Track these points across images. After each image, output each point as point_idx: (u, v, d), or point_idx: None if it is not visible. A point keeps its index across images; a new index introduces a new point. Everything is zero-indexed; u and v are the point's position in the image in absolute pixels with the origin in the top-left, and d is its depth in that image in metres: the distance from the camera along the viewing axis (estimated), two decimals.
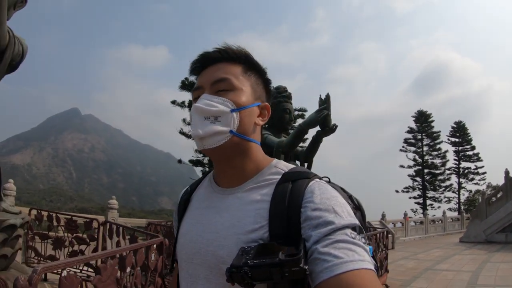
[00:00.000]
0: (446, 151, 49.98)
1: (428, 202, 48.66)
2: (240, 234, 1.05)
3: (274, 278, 0.82)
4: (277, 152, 7.83)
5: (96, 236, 8.73)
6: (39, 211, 9.72)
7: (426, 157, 50.03)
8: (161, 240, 5.47)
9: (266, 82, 1.30)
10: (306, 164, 8.30)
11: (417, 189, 49.82)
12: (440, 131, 50.19)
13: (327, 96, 7.47)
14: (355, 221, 0.98)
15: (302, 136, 7.73)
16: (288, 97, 8.98)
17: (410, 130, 51.13)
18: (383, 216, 23.81)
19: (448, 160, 49.86)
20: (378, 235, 9.64)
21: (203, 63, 1.24)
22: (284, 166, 1.20)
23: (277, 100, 8.82)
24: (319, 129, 7.53)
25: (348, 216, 0.98)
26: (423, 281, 10.71)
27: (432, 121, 50.20)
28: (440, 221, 31.00)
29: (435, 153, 49.85)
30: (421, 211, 44.13)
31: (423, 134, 50.29)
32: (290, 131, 8.78)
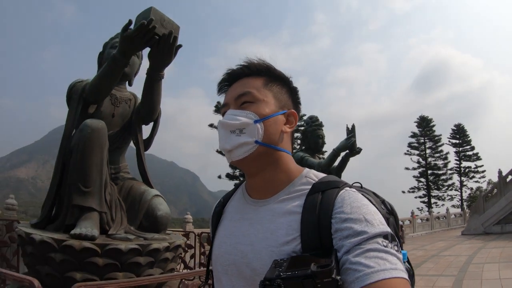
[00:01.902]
0: (448, 153, 52.70)
1: (433, 200, 51.23)
2: (273, 246, 1.05)
3: None
4: (317, 171, 11.06)
5: None
6: None
7: (429, 159, 52.69)
8: None
9: (291, 90, 1.31)
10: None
11: (422, 189, 52.35)
12: (441, 134, 52.98)
13: (353, 126, 10.76)
14: (387, 229, 0.96)
15: (336, 158, 10.96)
16: (320, 125, 12.28)
17: (413, 135, 53.79)
18: None
19: (449, 161, 52.55)
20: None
21: (229, 81, 1.28)
22: (315, 175, 1.20)
23: (312, 128, 12.13)
24: (348, 151, 10.78)
25: (379, 224, 0.96)
26: (430, 264, 13.41)
27: (434, 125, 52.85)
28: (444, 218, 32.60)
29: (437, 154, 52.59)
30: (426, 209, 46.22)
31: (426, 138, 52.97)
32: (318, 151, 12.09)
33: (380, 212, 1.04)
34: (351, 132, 10.55)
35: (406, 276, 0.86)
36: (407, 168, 53.02)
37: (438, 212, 36.49)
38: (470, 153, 52.45)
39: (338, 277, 0.83)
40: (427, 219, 30.74)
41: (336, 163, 11.44)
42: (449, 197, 51.50)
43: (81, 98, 5.08)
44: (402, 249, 1.01)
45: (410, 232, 26.35)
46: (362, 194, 1.09)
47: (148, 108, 5.32)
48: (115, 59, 4.59)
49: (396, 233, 1.15)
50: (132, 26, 4.37)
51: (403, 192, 53.46)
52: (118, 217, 4.98)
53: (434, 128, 52.91)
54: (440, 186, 51.70)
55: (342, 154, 10.84)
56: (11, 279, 3.37)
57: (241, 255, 1.12)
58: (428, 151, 52.91)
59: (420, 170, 52.66)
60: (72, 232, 4.33)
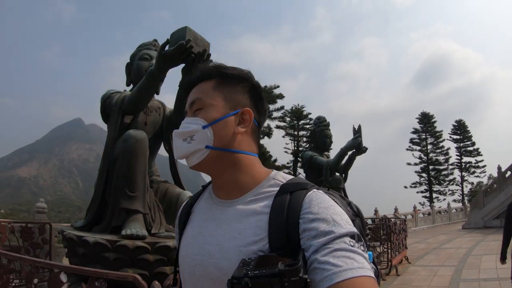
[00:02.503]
0: (449, 148, 53.37)
1: (434, 195, 51.92)
2: (241, 246, 1.06)
3: None
4: (326, 169, 11.83)
5: None
6: None
7: (431, 155, 53.28)
8: None
9: (250, 87, 1.28)
10: (343, 175, 12.26)
11: (423, 184, 53.06)
12: (442, 130, 53.64)
13: (359, 127, 11.54)
14: (353, 229, 0.99)
15: (343, 157, 11.74)
16: (328, 125, 13.08)
17: (415, 131, 54.48)
18: (396, 209, 26.13)
19: (450, 156, 53.26)
20: (399, 222, 13.42)
21: (188, 88, 1.29)
22: (282, 177, 1.20)
23: (320, 128, 12.91)
24: (354, 150, 11.53)
25: (346, 224, 0.98)
26: (432, 255, 14.18)
27: (435, 121, 53.53)
28: (445, 212, 33.10)
29: (439, 150, 53.25)
30: (428, 203, 46.75)
31: (427, 134, 53.64)
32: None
33: (347, 214, 1.07)
34: (357, 132, 11.40)
35: (373, 274, 0.89)
36: (409, 164, 53.77)
37: (440, 207, 36.90)
38: (471, 148, 53.08)
39: (305, 276, 0.84)
40: (429, 214, 31.18)
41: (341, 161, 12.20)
42: (450, 192, 52.21)
43: (121, 110, 5.57)
44: (368, 250, 1.04)
45: (412, 226, 26.80)
46: (329, 196, 1.12)
47: (181, 117, 5.85)
48: (154, 75, 4.98)
49: (362, 234, 1.15)
50: (162, 41, 4.79)
51: (405, 187, 54.16)
52: (157, 218, 5.53)
53: (435, 124, 53.55)
54: (442, 181, 52.36)
55: (349, 152, 11.64)
56: (113, 277, 3.67)
57: (208, 255, 1.13)
58: (429, 146, 53.57)
59: (421, 165, 53.39)
60: (124, 233, 4.87)
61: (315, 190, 1.11)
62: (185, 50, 4.53)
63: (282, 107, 38.51)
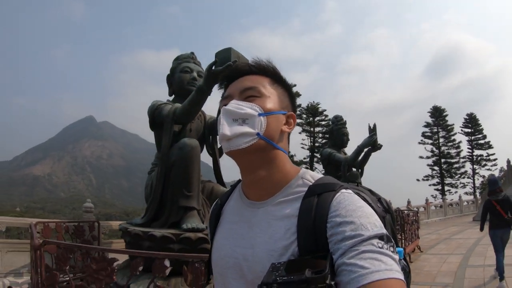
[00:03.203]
0: (460, 142, 53.55)
1: (446, 188, 52.15)
2: (272, 250, 1.06)
3: None
4: (344, 165, 12.83)
5: None
6: None
7: (442, 148, 53.65)
8: None
9: (291, 95, 1.32)
10: (360, 171, 13.21)
11: (435, 177, 53.43)
12: (453, 124, 53.89)
13: (374, 125, 12.46)
14: (382, 230, 0.96)
15: (360, 153, 12.68)
16: (344, 123, 14.04)
17: (427, 125, 54.92)
18: (408, 202, 26.48)
19: (462, 150, 53.40)
20: (412, 213, 14.33)
21: (233, 76, 1.29)
22: (311, 177, 1.19)
23: (337, 127, 13.89)
24: (370, 148, 12.49)
25: (374, 226, 0.96)
26: (443, 245, 14.99)
27: (446, 115, 53.84)
28: (457, 205, 33.26)
29: (450, 143, 53.52)
30: (440, 196, 47.04)
31: (439, 128, 54.07)
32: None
33: (376, 211, 1.06)
34: (373, 130, 12.38)
35: (401, 276, 0.87)
36: (421, 157, 54.15)
37: (452, 199, 37.24)
38: (482, 141, 53.31)
39: (332, 283, 0.85)
40: (441, 206, 31.53)
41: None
42: (462, 184, 52.45)
43: (173, 121, 6.22)
44: (398, 247, 1.04)
45: (424, 218, 27.15)
46: (358, 194, 1.11)
47: None
48: (203, 91, 5.54)
49: (393, 231, 1.16)
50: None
51: (418, 180, 54.56)
52: (207, 213, 6.35)
53: (446, 118, 53.92)
54: (453, 174, 52.67)
55: (365, 149, 12.59)
56: (205, 259, 4.28)
57: (242, 258, 1.13)
58: (441, 140, 53.94)
59: (433, 158, 53.76)
60: (185, 227, 5.69)
61: (343, 191, 1.09)
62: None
63: (299, 105, 39.41)
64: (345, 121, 14.16)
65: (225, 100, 1.24)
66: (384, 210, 1.22)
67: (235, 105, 1.16)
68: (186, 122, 6.50)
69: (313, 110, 41.05)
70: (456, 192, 51.28)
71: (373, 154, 12.79)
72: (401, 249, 1.09)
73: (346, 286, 0.86)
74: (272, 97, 1.21)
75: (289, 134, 1.29)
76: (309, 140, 41.36)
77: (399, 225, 12.34)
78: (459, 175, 52.73)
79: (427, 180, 53.88)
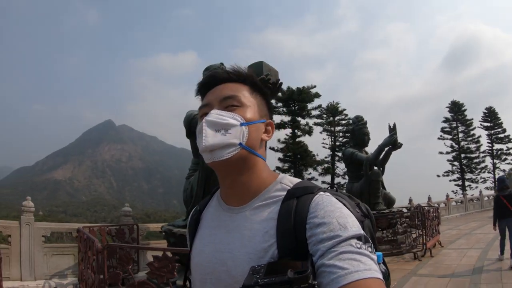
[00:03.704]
0: (480, 136, 53.22)
1: (467, 183, 51.82)
2: (251, 253, 1.06)
3: None
4: (366, 164, 13.40)
5: None
6: None
7: (462, 143, 53.38)
8: None
9: (268, 103, 1.33)
10: (381, 169, 13.75)
11: (456, 172, 53.12)
12: (472, 119, 53.56)
13: (394, 125, 13.00)
14: (360, 231, 0.98)
15: (381, 152, 13.22)
16: (365, 123, 14.60)
17: (446, 120, 54.62)
18: (429, 198, 26.84)
19: (481, 144, 53.10)
20: (432, 209, 14.73)
21: (211, 83, 1.28)
22: (289, 181, 1.21)
23: (358, 127, 14.47)
24: (391, 147, 13.04)
25: (352, 227, 0.97)
26: (463, 240, 15.39)
27: (465, 109, 53.49)
28: (477, 200, 33.43)
29: (470, 138, 53.26)
30: (461, 192, 46.86)
31: (458, 122, 53.70)
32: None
33: (354, 215, 1.07)
34: (392, 130, 12.97)
35: (380, 276, 0.88)
36: (441, 153, 53.92)
37: (472, 195, 37.12)
38: (502, 135, 53.13)
39: (315, 283, 0.85)
40: (462, 202, 31.72)
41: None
42: (482, 179, 52.14)
43: None
44: (377, 251, 1.04)
45: (445, 214, 27.36)
46: (337, 198, 1.11)
47: None
48: (382, 150, 6.24)
49: (372, 236, 1.18)
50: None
51: (438, 176, 54.36)
52: None
53: (465, 112, 53.59)
54: (473, 169, 52.42)
55: (386, 148, 13.12)
56: None
57: (220, 263, 1.13)
58: (460, 135, 53.67)
59: (453, 154, 53.53)
60: None
61: (321, 193, 1.10)
62: (264, 82, 5.77)
63: (319, 106, 39.92)
64: (366, 121, 14.73)
65: (204, 108, 1.24)
66: (363, 215, 1.22)
67: (216, 115, 1.16)
68: None
69: (333, 110, 41.52)
70: (476, 187, 50.96)
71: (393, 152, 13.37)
72: (380, 253, 1.10)
73: (326, 287, 0.87)
74: (252, 107, 1.22)
75: (266, 141, 1.30)
76: (330, 139, 41.81)
77: (420, 221, 12.80)
78: (479, 170, 52.38)
79: (448, 175, 53.66)
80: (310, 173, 39.59)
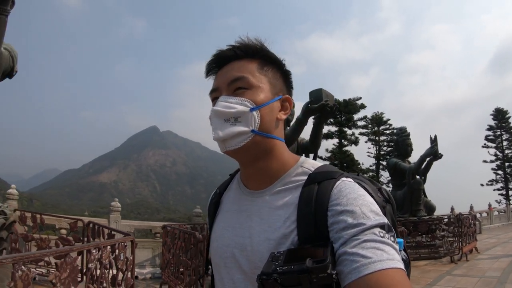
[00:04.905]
0: None
1: (511, 192, 50.49)
2: (271, 239, 1.05)
3: (303, 284, 0.82)
4: (409, 173, 14.44)
5: (81, 237, 8.72)
6: (23, 212, 9.58)
7: (506, 151, 52.19)
8: (131, 238, 5.31)
9: (285, 74, 1.25)
10: (423, 178, 14.73)
11: (499, 181, 51.89)
12: None
13: (435, 137, 14.00)
14: (384, 219, 0.96)
15: (423, 163, 14.23)
16: (408, 135, 15.63)
17: (489, 128, 53.57)
18: (471, 207, 26.30)
19: None
20: (470, 217, 15.24)
21: (218, 63, 1.21)
22: (311, 165, 1.17)
23: (402, 138, 15.54)
24: (432, 157, 14.04)
25: (375, 215, 0.96)
26: (499, 247, 15.86)
27: (509, 117, 52.26)
28: None
29: None
30: (505, 201, 46.24)
31: (502, 130, 52.59)
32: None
33: (377, 201, 1.04)
34: (433, 141, 14.07)
35: (402, 266, 0.86)
36: (484, 161, 53.03)
37: None
38: None
39: (334, 272, 0.83)
40: (504, 211, 31.58)
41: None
42: None
43: None
44: (399, 237, 1.03)
45: (487, 224, 27.27)
46: (359, 183, 1.09)
47: (316, 144, 7.50)
48: (302, 122, 6.61)
49: (393, 221, 1.14)
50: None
51: (482, 185, 53.41)
52: None
53: (510, 120, 52.38)
54: None
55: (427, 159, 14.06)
56: None
57: (240, 248, 1.12)
58: (505, 143, 52.63)
59: (497, 162, 52.46)
60: None
61: (343, 179, 1.08)
62: (323, 107, 6.18)
63: (365, 116, 41.08)
64: (409, 132, 15.82)
65: (214, 93, 1.19)
66: (385, 200, 1.19)
67: (224, 103, 1.11)
68: (289, 146, 7.75)
69: (378, 120, 42.49)
70: None
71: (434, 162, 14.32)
72: (401, 239, 1.10)
73: (348, 276, 0.86)
74: (262, 86, 1.15)
75: (286, 118, 1.22)
76: (375, 148, 42.83)
77: (457, 228, 13.55)
78: None
79: (491, 184, 52.56)
80: None
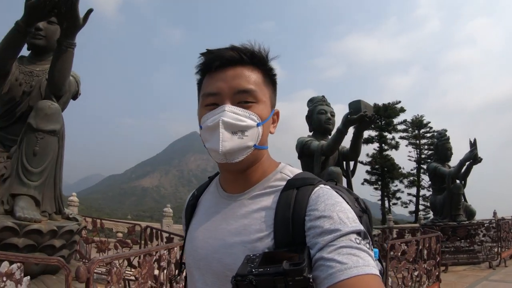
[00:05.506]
0: None
1: None
2: (246, 242, 1.04)
3: (278, 287, 0.81)
4: (449, 178, 14.45)
5: (138, 240, 8.87)
6: (84, 217, 9.21)
7: None
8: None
9: (275, 87, 1.24)
10: (463, 182, 14.96)
11: None
12: None
13: (475, 140, 14.23)
14: (360, 226, 0.96)
15: (462, 167, 14.35)
16: (448, 139, 15.78)
17: None
18: None
19: None
20: (510, 222, 14.81)
21: (221, 63, 1.13)
22: (290, 171, 1.17)
23: (441, 143, 15.76)
24: (471, 161, 14.30)
25: (352, 222, 0.95)
26: None
27: None
28: None
29: None
30: None
31: None
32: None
33: (354, 210, 1.04)
34: (473, 145, 14.36)
35: (377, 272, 0.87)
36: None
37: None
38: None
39: (310, 276, 0.83)
40: None
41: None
42: None
43: (320, 153, 7.75)
44: (374, 248, 1.04)
45: None
46: (336, 192, 1.08)
47: (356, 152, 8.07)
48: (342, 132, 6.84)
49: (369, 231, 1.11)
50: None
51: None
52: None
53: None
54: None
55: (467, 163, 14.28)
56: None
57: (212, 250, 1.11)
58: None
59: None
60: None
61: (322, 185, 1.07)
62: (362, 117, 6.56)
63: (404, 120, 41.10)
64: (448, 136, 16.02)
65: (213, 97, 1.13)
66: (361, 210, 1.18)
67: (233, 114, 1.07)
68: (330, 155, 7.99)
69: (418, 123, 42.12)
70: None
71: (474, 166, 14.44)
72: (376, 249, 1.10)
73: (324, 281, 0.85)
74: (265, 100, 1.15)
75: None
76: (415, 152, 42.40)
77: (496, 233, 13.53)
78: None
79: None
80: (397, 185, 41.12)
